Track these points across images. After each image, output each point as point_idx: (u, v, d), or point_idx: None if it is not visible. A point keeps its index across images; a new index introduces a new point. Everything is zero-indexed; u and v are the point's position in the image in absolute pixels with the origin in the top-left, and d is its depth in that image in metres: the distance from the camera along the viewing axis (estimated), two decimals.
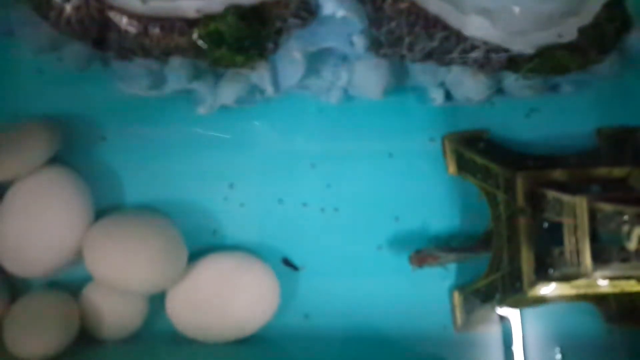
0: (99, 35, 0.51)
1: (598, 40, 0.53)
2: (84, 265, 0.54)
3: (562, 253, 0.48)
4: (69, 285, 0.56)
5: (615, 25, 0.53)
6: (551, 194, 0.49)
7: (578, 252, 0.47)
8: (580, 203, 0.47)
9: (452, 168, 0.56)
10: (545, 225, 0.50)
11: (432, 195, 0.57)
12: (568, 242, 0.47)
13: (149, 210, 0.57)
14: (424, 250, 0.54)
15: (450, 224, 0.57)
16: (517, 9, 0.52)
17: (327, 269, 0.57)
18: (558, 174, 0.52)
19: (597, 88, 0.56)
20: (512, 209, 0.52)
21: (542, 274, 0.50)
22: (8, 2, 0.51)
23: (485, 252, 0.54)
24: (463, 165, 0.56)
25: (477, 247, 0.54)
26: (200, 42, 0.49)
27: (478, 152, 0.55)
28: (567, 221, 0.47)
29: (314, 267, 0.58)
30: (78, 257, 0.54)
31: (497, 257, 0.53)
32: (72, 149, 0.57)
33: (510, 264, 0.52)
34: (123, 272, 0.52)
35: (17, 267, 0.53)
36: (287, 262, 0.58)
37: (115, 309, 0.53)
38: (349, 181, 0.58)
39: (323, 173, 0.58)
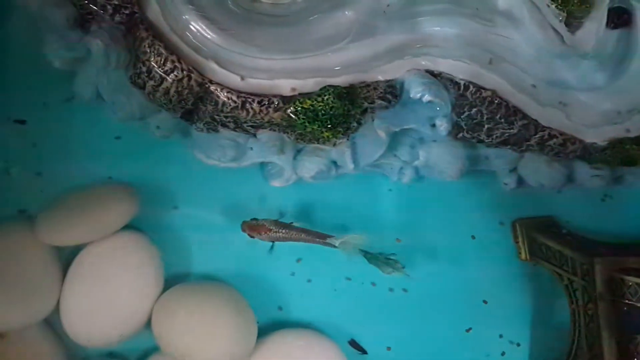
0: (192, 107, 0.56)
1: None
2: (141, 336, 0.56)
3: None
4: (127, 356, 0.57)
5: None
6: (632, 279, 0.53)
7: None
8: None
9: (524, 254, 0.60)
10: (625, 310, 0.53)
11: (501, 279, 0.61)
12: None
13: (217, 282, 0.59)
14: (259, 221, 0.56)
15: (518, 308, 0.60)
16: (587, 104, 0.59)
17: (394, 353, 0.59)
18: (632, 261, 0.56)
19: None
20: (590, 295, 0.55)
21: None
22: (100, 69, 0.56)
23: (319, 242, 0.55)
24: (535, 251, 0.60)
25: (310, 233, 0.56)
26: (294, 118, 0.53)
27: (552, 238, 0.59)
28: None
29: (380, 350, 0.59)
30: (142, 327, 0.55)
31: (576, 344, 0.55)
32: (142, 216, 0.60)
33: (589, 351, 0.54)
34: (193, 345, 0.53)
35: (82, 336, 0.55)
36: (355, 345, 0.59)
37: None
38: (417, 261, 0.61)
39: (391, 251, 0.61)
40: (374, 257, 0.56)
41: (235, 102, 0.55)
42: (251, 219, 0.56)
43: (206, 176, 0.62)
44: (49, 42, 0.57)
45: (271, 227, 0.56)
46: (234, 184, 0.63)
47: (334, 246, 0.56)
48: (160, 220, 0.61)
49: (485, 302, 0.58)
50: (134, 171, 0.62)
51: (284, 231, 0.56)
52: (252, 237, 0.56)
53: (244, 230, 0.56)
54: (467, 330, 0.58)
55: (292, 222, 0.56)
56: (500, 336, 0.58)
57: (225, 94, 0.55)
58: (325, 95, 0.54)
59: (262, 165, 0.62)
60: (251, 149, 0.56)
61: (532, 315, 0.59)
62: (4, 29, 0.60)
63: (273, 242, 0.56)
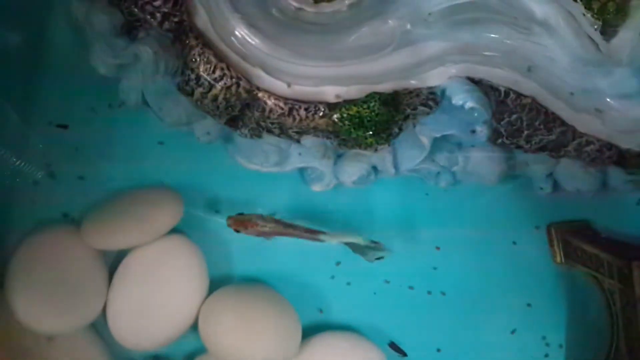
0: (239, 114, 0.58)
1: None
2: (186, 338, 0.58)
3: None
4: (172, 358, 0.60)
5: None
6: None
7: None
8: None
9: (558, 257, 0.63)
10: None
11: (540, 281, 0.63)
12: None
13: (261, 284, 0.61)
14: (245, 215, 0.57)
15: (554, 312, 0.62)
16: (622, 111, 0.61)
17: (435, 355, 0.61)
18: None
19: None
20: (629, 298, 0.57)
21: None
22: (148, 75, 0.58)
23: (308, 238, 0.57)
24: (570, 254, 0.63)
25: (298, 228, 0.57)
26: (340, 124, 0.56)
27: (587, 241, 0.61)
28: None
29: (420, 353, 0.62)
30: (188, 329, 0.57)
31: (614, 347, 0.58)
32: (185, 219, 0.62)
33: (629, 354, 0.57)
34: (240, 346, 0.55)
35: (128, 339, 0.57)
36: (395, 347, 0.61)
37: None
38: (454, 265, 0.64)
39: (428, 255, 0.64)
40: (357, 246, 0.58)
41: (282, 108, 0.57)
42: (237, 214, 0.58)
43: (247, 180, 0.64)
44: (95, 48, 0.59)
45: (257, 222, 0.57)
46: (273, 188, 0.65)
47: (323, 242, 0.57)
48: (202, 223, 0.63)
49: (529, 305, 0.61)
50: (176, 175, 0.64)
51: (270, 225, 0.57)
52: (237, 231, 0.57)
53: (229, 225, 0.57)
54: (512, 332, 0.61)
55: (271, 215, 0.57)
56: (544, 338, 0.60)
57: (272, 100, 0.57)
58: (371, 102, 0.56)
59: (302, 170, 0.65)
60: (299, 154, 0.59)
61: (572, 316, 0.62)
62: (49, 35, 0.63)
63: (261, 237, 0.57)
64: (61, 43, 0.63)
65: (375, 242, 0.58)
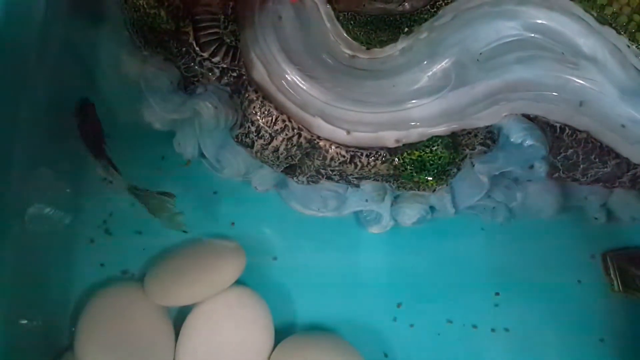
0: (297, 162, 0.59)
1: None
2: None
3: None
4: None
5: None
6: None
7: None
8: None
9: (616, 286, 0.64)
10: None
11: (598, 314, 0.64)
12: None
13: (327, 332, 0.62)
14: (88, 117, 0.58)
15: (627, 344, 0.64)
16: None
17: None
18: None
19: None
20: None
21: None
22: (208, 129, 0.60)
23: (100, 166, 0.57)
24: (629, 283, 0.64)
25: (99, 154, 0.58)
26: (402, 169, 0.57)
27: None
28: None
29: None
30: None
31: None
32: (245, 268, 0.63)
33: None
34: None
35: None
36: None
37: None
38: (516, 300, 0.65)
39: (488, 292, 0.66)
40: (143, 195, 0.57)
41: (344, 156, 0.59)
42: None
43: (301, 225, 0.66)
44: (150, 103, 0.61)
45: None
46: (329, 232, 0.67)
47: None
48: (261, 271, 0.65)
49: (602, 340, 0.62)
50: (231, 225, 0.66)
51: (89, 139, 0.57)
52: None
53: (75, 114, 0.59)
54: None
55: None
56: None
57: (334, 148, 0.59)
58: (433, 146, 0.58)
59: (356, 212, 0.66)
60: (366, 200, 0.60)
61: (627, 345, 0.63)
62: (100, 90, 0.64)
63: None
64: (111, 98, 0.65)
65: (164, 194, 0.57)
